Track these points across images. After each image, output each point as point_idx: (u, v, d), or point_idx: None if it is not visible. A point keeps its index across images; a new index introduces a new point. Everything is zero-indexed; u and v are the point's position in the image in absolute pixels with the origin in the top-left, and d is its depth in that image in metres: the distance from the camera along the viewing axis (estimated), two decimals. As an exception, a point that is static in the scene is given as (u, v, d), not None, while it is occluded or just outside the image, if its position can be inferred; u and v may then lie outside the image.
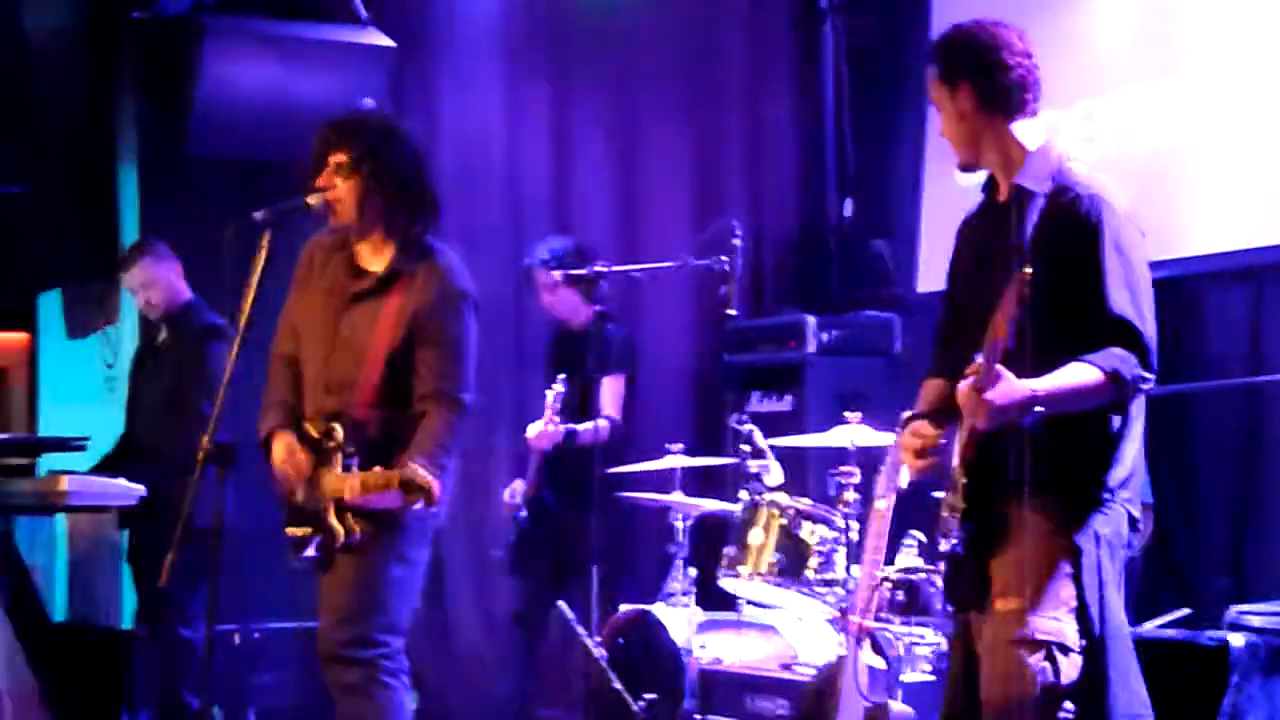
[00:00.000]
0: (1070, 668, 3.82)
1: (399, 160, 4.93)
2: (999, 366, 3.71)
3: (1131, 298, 3.87)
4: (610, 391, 6.91)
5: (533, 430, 6.76)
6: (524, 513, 6.91)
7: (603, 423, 6.81)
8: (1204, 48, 6.66)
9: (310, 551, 4.80)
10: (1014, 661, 3.82)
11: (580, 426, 6.78)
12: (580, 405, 6.89)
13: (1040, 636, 3.82)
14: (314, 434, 4.84)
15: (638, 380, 7.11)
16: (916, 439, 4.08)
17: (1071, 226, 3.92)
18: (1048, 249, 3.90)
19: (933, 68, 4.10)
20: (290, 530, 4.85)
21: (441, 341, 4.86)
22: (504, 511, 7.02)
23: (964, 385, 3.77)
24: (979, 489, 3.90)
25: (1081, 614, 3.85)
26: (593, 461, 6.43)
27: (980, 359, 3.75)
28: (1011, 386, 3.73)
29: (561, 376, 6.74)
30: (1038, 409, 3.76)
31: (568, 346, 7.10)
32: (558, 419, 6.72)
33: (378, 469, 4.65)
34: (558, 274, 6.92)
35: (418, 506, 4.61)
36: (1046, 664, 3.80)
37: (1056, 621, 3.83)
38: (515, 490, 6.99)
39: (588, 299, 6.98)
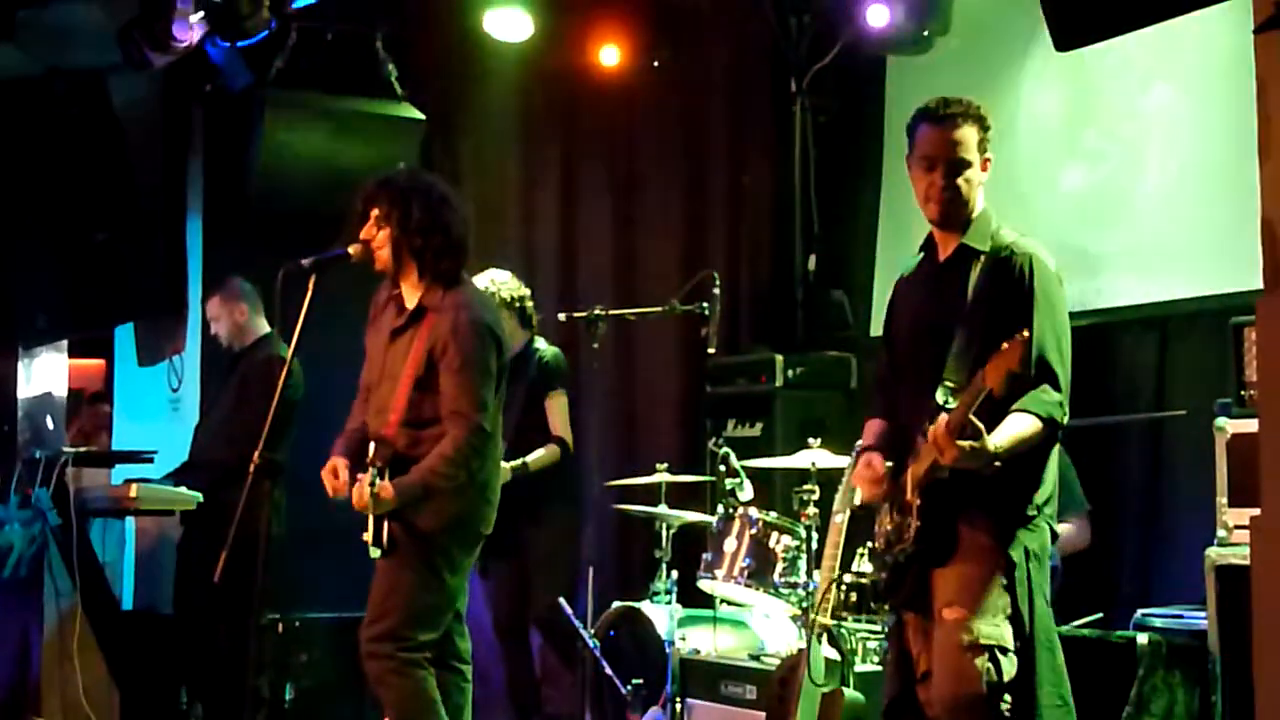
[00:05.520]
0: (1010, 666, 3.82)
1: (424, 209, 4.92)
2: (974, 419, 3.65)
3: (1056, 347, 3.88)
4: (555, 411, 6.54)
5: None
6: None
7: (553, 447, 6.45)
8: (1121, 124, 6.68)
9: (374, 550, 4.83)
10: (963, 664, 3.81)
11: (530, 458, 6.33)
12: (529, 425, 6.43)
13: (984, 641, 3.81)
14: (369, 452, 4.84)
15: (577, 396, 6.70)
16: (870, 470, 4.08)
17: (1009, 283, 3.93)
18: (988, 303, 3.93)
19: (972, 126, 3.99)
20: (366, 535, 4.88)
21: (457, 367, 4.83)
22: None
23: (940, 426, 3.70)
24: (930, 510, 3.88)
25: (1016, 619, 3.84)
26: (544, 482, 6.31)
27: (956, 403, 3.71)
28: (983, 444, 3.67)
29: None
30: (996, 464, 3.73)
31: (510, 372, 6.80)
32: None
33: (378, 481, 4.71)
34: (506, 296, 6.41)
35: (373, 509, 4.70)
36: (990, 665, 3.80)
37: (996, 627, 3.83)
38: None
39: (522, 325, 6.56)
